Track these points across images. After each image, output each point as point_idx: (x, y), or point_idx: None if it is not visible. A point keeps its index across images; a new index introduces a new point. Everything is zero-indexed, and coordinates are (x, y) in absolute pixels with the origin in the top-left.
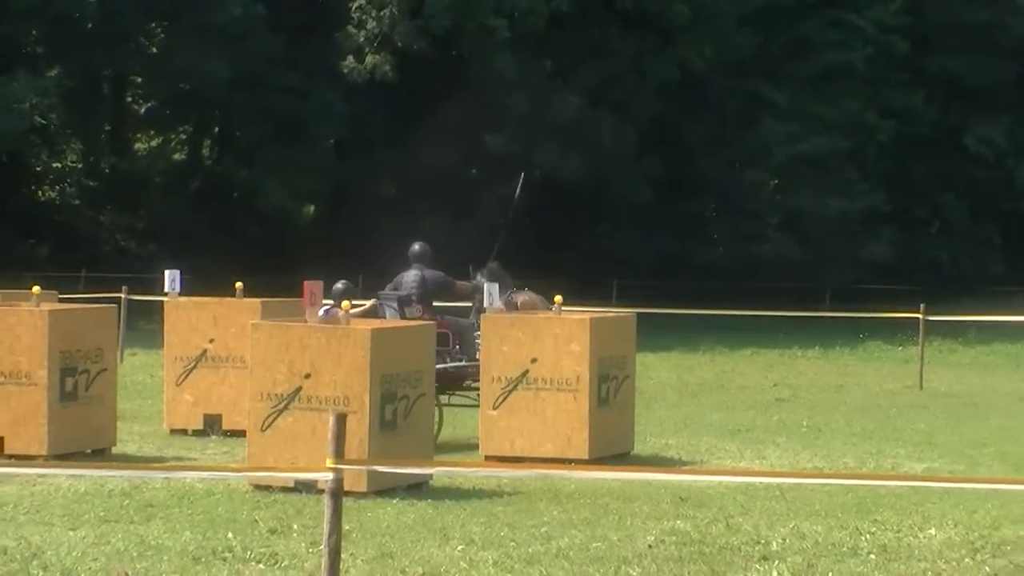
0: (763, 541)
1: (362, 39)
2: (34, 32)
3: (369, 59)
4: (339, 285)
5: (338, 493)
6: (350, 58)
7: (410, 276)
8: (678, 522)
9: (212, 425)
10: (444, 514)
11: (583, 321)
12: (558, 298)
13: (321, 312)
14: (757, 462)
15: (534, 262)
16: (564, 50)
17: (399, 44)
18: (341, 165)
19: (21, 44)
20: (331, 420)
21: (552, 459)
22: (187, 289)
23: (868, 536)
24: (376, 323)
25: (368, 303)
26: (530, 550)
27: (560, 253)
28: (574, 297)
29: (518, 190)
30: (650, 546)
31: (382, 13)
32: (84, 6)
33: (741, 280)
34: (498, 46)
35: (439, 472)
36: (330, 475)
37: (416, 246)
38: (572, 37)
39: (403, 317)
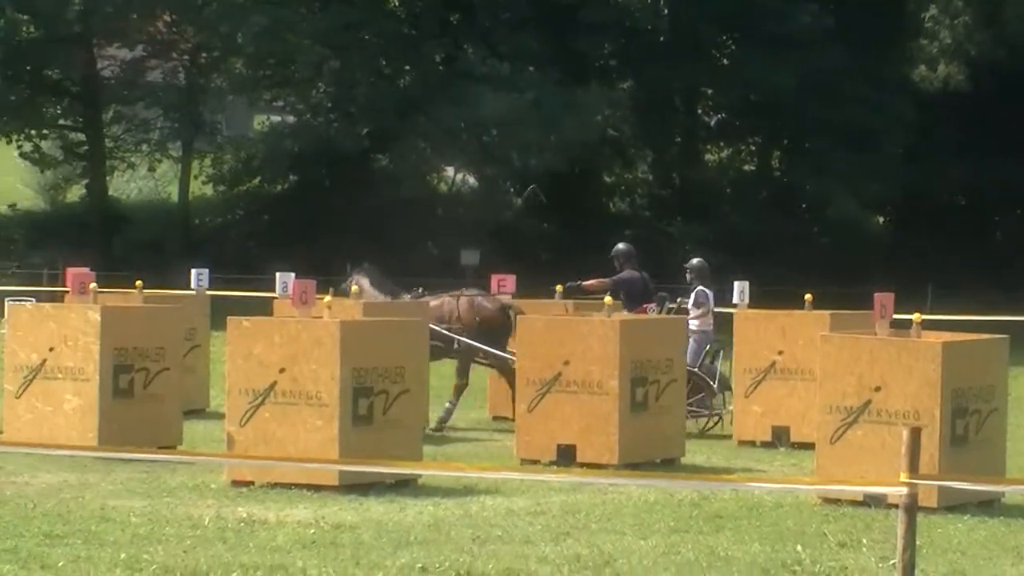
0: None
1: (935, 49)
2: (607, 46)
3: (942, 69)
4: None
5: (912, 508)
6: (922, 68)
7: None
8: None
9: (780, 437)
10: (1017, 533)
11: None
12: None
13: None
14: None
15: None
16: None
17: (973, 53)
18: (910, 174)
19: (594, 57)
20: (904, 434)
21: None
22: (755, 300)
23: None
24: (946, 336)
25: None
26: None
27: None
28: None
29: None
30: None
31: (956, 22)
32: (658, 20)
33: None
34: None
35: (1012, 491)
36: (904, 490)
37: (625, 246)
38: None
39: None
